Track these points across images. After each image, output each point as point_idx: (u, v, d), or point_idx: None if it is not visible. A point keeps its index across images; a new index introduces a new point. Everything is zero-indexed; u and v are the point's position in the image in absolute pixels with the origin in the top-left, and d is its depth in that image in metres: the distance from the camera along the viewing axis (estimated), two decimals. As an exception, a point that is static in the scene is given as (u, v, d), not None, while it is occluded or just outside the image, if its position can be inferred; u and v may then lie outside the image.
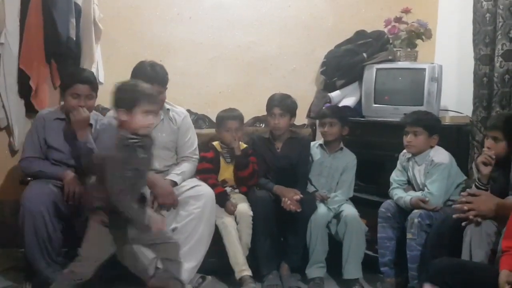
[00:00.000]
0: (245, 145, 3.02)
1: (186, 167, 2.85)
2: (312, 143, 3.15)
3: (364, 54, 3.38)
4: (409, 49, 3.31)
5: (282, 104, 2.99)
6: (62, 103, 2.70)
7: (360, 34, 3.54)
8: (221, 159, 2.98)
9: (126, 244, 2.52)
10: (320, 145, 3.10)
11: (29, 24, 3.03)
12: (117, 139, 2.08)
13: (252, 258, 2.77)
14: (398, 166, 2.87)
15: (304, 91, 3.57)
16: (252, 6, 3.57)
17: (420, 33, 3.28)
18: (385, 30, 3.41)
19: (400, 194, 2.73)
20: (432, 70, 3.06)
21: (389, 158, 2.96)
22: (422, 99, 3.05)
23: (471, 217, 2.18)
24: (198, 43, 3.50)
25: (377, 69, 3.24)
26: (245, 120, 3.17)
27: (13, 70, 3.07)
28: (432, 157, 2.71)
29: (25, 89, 3.09)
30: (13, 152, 3.21)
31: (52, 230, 2.44)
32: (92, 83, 2.67)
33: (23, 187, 2.59)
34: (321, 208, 2.87)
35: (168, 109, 2.88)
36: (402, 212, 2.70)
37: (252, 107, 3.39)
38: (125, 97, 2.10)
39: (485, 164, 2.44)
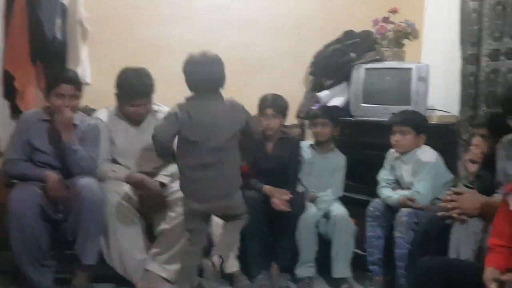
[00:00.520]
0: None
1: (175, 168, 2.83)
2: (302, 143, 3.16)
3: (352, 54, 3.40)
4: (396, 49, 3.33)
5: (275, 104, 2.99)
6: (46, 104, 2.67)
7: (348, 34, 3.55)
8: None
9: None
10: (311, 145, 3.11)
11: (14, 25, 2.99)
12: None
13: (242, 258, 2.77)
14: (386, 165, 2.89)
15: (293, 91, 3.56)
16: (241, 6, 3.57)
17: (407, 33, 3.30)
18: (373, 30, 3.43)
19: (388, 193, 2.75)
20: (419, 70, 3.08)
21: (377, 158, 2.97)
22: (409, 99, 3.07)
23: (454, 215, 2.19)
24: (189, 43, 3.46)
25: (365, 69, 3.26)
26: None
27: (-3, 71, 3.04)
28: (419, 156, 2.72)
29: (10, 91, 3.05)
30: (-2, 154, 3.19)
31: (38, 233, 2.42)
32: (77, 82, 2.64)
33: (9, 189, 2.56)
34: (310, 208, 2.88)
35: (156, 111, 2.86)
36: (390, 211, 2.71)
37: (244, 108, 3.39)
38: None
39: (472, 162, 2.46)
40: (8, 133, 3.00)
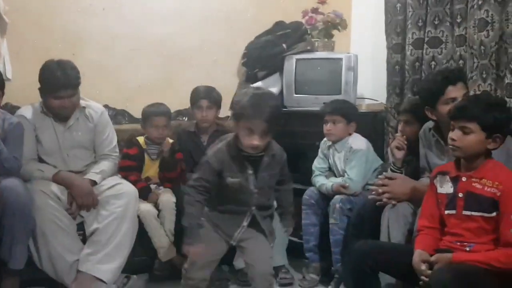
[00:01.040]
0: (171, 140, 2.95)
1: (106, 165, 2.75)
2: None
3: (284, 45, 3.41)
4: (326, 40, 3.39)
5: (209, 96, 2.97)
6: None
7: (279, 25, 3.56)
8: (146, 156, 2.88)
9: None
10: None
11: None
12: None
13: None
14: (320, 154, 2.94)
15: (227, 83, 3.54)
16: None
17: (336, 24, 3.37)
18: (303, 21, 3.47)
19: (322, 181, 2.80)
20: (348, 60, 3.15)
21: (310, 147, 3.03)
22: (340, 88, 3.14)
23: (385, 199, 2.27)
24: (113, 35, 3.37)
25: (297, 60, 3.29)
26: (169, 114, 3.10)
27: None
28: (350, 144, 2.79)
29: None
30: None
31: None
32: None
33: None
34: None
35: (83, 107, 2.75)
36: (325, 198, 2.77)
37: (174, 101, 3.29)
38: None
39: (398, 148, 2.56)
40: None
